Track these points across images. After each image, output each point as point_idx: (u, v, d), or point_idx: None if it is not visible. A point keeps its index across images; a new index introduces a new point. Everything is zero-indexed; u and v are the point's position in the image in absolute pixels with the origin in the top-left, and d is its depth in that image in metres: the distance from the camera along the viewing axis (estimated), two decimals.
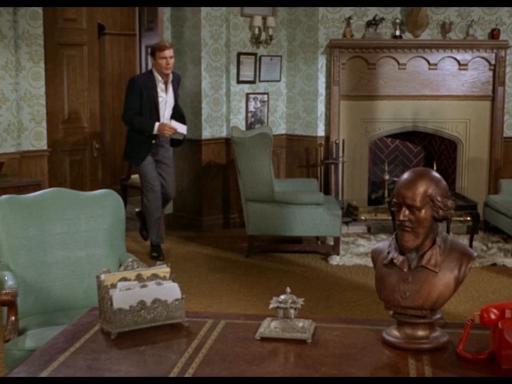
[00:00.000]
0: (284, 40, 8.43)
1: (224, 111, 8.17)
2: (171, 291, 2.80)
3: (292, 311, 2.64)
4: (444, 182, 2.47)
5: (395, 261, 2.48)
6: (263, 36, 8.19)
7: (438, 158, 8.51)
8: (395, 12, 8.12)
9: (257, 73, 8.25)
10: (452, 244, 2.48)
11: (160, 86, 6.65)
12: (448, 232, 7.54)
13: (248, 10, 8.05)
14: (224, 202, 8.26)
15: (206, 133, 8.06)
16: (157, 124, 6.62)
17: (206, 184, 8.11)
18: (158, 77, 6.61)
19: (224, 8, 7.95)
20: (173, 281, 2.85)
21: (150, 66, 7.21)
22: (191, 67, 8.01)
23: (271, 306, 2.65)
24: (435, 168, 7.82)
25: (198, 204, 8.14)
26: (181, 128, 6.72)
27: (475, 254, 2.47)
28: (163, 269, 2.90)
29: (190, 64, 8.01)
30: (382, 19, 8.05)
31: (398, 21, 8.06)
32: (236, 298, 5.81)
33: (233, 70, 8.10)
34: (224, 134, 8.18)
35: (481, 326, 2.45)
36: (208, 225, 8.13)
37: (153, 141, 6.72)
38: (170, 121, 6.72)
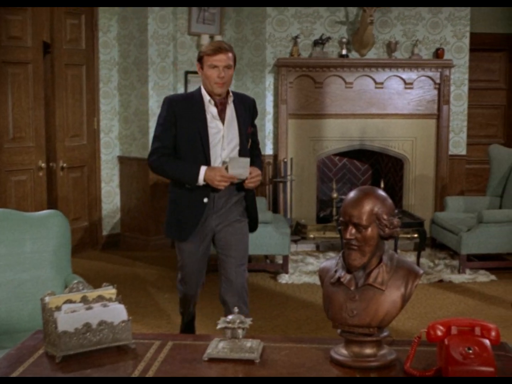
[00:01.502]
0: None
1: None
2: (117, 312, 2.76)
3: (240, 331, 2.62)
4: (390, 201, 2.48)
5: (342, 279, 2.48)
6: None
7: (385, 176, 8.58)
8: (341, 32, 8.20)
9: None
10: (399, 262, 2.49)
11: (211, 111, 4.25)
12: (395, 249, 7.60)
13: (195, 28, 8.05)
14: None
15: None
16: (203, 169, 4.20)
17: (154, 203, 8.04)
18: (207, 98, 4.23)
19: (171, 27, 7.94)
20: (119, 302, 2.81)
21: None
22: (138, 85, 7.96)
23: (218, 326, 2.63)
24: (382, 186, 7.88)
25: (146, 224, 8.07)
26: (241, 171, 4.22)
27: (421, 271, 2.49)
28: (109, 291, 2.85)
29: (137, 82, 7.96)
30: (329, 38, 8.11)
31: (344, 40, 8.14)
32: None
33: (181, 89, 8.08)
34: None
35: (428, 343, 2.46)
36: (156, 245, 8.07)
37: (205, 199, 4.26)
38: (226, 164, 4.25)
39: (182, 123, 4.25)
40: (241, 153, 4.30)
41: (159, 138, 4.30)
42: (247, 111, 4.38)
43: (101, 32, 7.96)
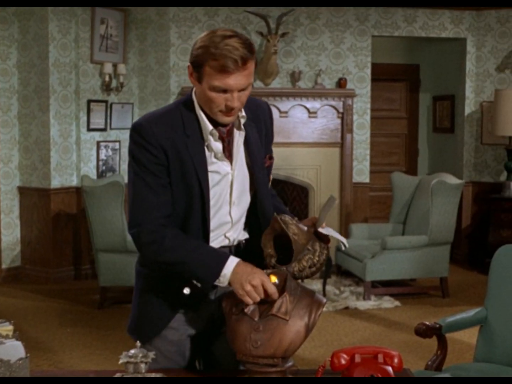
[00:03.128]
0: (135, 88, 8.36)
1: (74, 159, 7.97)
2: (14, 350, 2.63)
3: (142, 365, 2.53)
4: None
5: (245, 310, 2.44)
6: (113, 84, 8.09)
7: (290, 203, 8.62)
8: None
9: (108, 121, 8.11)
10: (302, 291, 2.47)
11: (214, 146, 2.55)
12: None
13: (98, 57, 7.94)
14: (75, 253, 8.02)
15: (56, 182, 7.82)
16: (233, 262, 2.48)
17: (56, 235, 7.84)
18: (208, 127, 2.52)
19: (73, 55, 7.81)
20: (17, 339, 2.68)
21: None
22: (39, 114, 7.78)
23: (120, 361, 2.54)
24: None
25: (48, 256, 7.85)
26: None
27: (324, 300, 2.47)
28: (5, 328, 2.72)
29: (38, 111, 7.78)
30: None
31: None
32: (88, 353, 5.60)
33: (83, 118, 7.93)
34: (74, 183, 7.96)
35: (333, 371, 2.44)
36: (58, 277, 7.85)
37: (186, 291, 2.56)
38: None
39: (173, 164, 2.51)
40: (264, 207, 2.68)
41: (149, 200, 2.51)
42: (262, 131, 2.71)
43: (0, 60, 7.76)
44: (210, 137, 2.53)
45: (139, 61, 8.33)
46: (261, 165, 2.66)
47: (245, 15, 8.12)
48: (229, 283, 2.47)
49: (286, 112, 8.21)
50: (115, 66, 8.03)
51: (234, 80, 2.40)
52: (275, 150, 8.08)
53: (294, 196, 8.67)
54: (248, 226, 2.73)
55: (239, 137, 2.59)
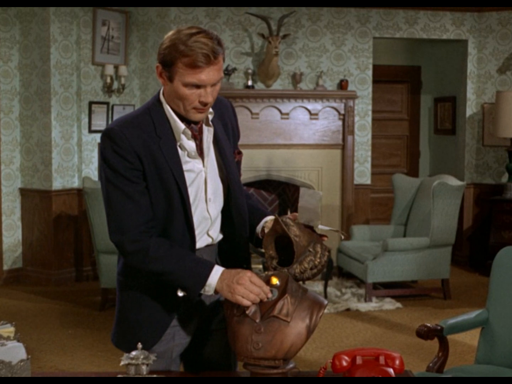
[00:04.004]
0: (137, 89, 8.36)
1: (76, 161, 7.98)
2: (15, 351, 2.63)
3: (144, 367, 2.53)
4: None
5: (247, 312, 2.43)
6: (115, 85, 8.10)
7: (292, 205, 8.62)
8: (247, 63, 8.24)
9: (110, 122, 8.12)
10: (303, 293, 2.47)
11: (187, 145, 2.54)
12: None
13: (99, 58, 7.95)
14: (76, 255, 8.02)
15: (57, 184, 7.83)
16: (217, 272, 2.47)
17: (57, 237, 7.84)
18: (180, 127, 2.51)
19: (74, 56, 7.82)
20: (18, 341, 2.68)
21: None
22: (40, 116, 7.79)
23: (121, 363, 2.53)
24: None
25: (49, 258, 7.85)
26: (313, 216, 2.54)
27: (326, 302, 2.47)
28: (7, 329, 2.72)
29: (40, 113, 7.79)
30: (235, 69, 8.14)
31: (250, 71, 8.18)
32: (90, 354, 5.60)
33: (85, 119, 7.94)
34: (76, 184, 7.97)
35: (334, 373, 2.44)
36: (59, 279, 7.85)
37: (181, 293, 2.52)
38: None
39: (147, 172, 2.48)
40: (237, 203, 2.65)
41: (127, 208, 2.47)
42: (228, 127, 2.72)
43: (2, 61, 7.77)
44: (183, 136, 2.52)
45: (140, 62, 8.34)
46: (231, 161, 2.66)
47: (246, 16, 8.12)
48: (216, 292, 2.47)
49: (287, 114, 8.20)
50: (116, 67, 8.04)
51: (207, 75, 2.40)
52: (276, 151, 8.10)
53: (296, 197, 8.66)
54: (223, 227, 2.70)
55: (208, 134, 2.59)
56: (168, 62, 2.41)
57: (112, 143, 2.44)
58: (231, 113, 2.77)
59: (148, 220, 2.49)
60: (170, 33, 2.45)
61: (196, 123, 2.54)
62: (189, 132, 2.52)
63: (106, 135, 2.47)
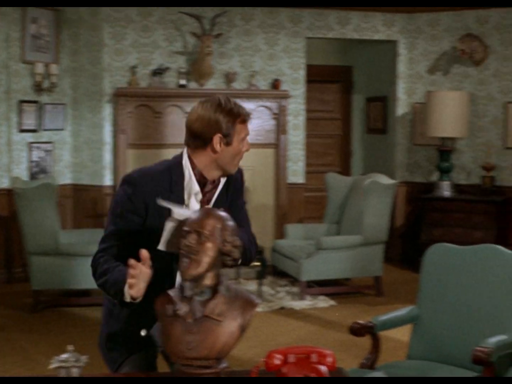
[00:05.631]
0: (68, 88, 8.25)
1: (6, 161, 7.82)
2: None
3: (75, 370, 2.50)
4: (233, 223, 2.51)
5: (179, 312, 2.42)
6: (45, 84, 7.97)
7: None
8: (180, 62, 8.21)
9: (40, 122, 7.99)
10: (235, 292, 2.47)
11: (192, 205, 2.88)
12: (237, 278, 7.65)
13: (29, 56, 7.81)
14: (6, 256, 7.86)
15: None
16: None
17: None
18: (195, 188, 2.88)
19: (4, 55, 7.66)
20: None
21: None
22: None
23: (52, 366, 2.50)
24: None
25: None
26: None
27: (258, 301, 2.48)
28: None
29: None
30: (168, 68, 8.10)
31: (183, 70, 8.15)
32: (21, 358, 5.50)
33: (15, 119, 7.79)
34: (5, 185, 7.81)
35: (267, 372, 2.44)
36: None
37: (143, 333, 2.89)
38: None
39: (149, 216, 2.83)
40: None
41: (112, 236, 2.85)
42: (228, 189, 3.03)
43: None
44: (192, 199, 2.88)
45: (71, 61, 8.23)
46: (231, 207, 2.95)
47: (179, 15, 8.08)
48: (133, 298, 2.60)
49: None
50: (47, 66, 7.91)
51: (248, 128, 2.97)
52: None
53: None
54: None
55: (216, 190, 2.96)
56: (230, 127, 2.85)
57: (128, 188, 2.83)
58: (239, 178, 3.12)
59: (116, 246, 2.84)
60: (210, 106, 2.87)
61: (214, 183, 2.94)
62: (200, 195, 2.90)
63: (127, 180, 2.86)
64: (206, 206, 2.50)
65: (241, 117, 2.90)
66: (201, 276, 2.44)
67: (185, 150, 2.91)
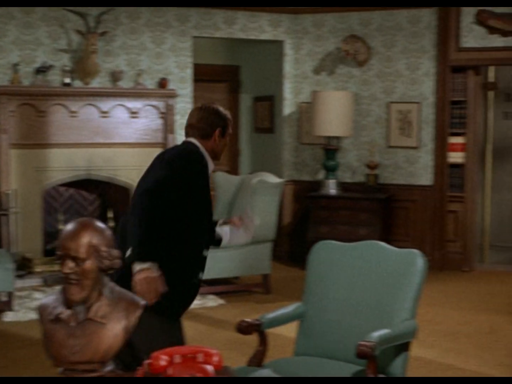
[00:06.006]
0: None
1: None
2: None
3: None
4: (108, 232, 2.43)
5: (61, 316, 2.37)
6: None
7: (113, 205, 8.50)
8: (64, 60, 8.04)
9: None
10: (120, 294, 2.44)
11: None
12: None
13: None
14: None
15: None
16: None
17: None
18: (211, 165, 3.74)
19: None
20: None
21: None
22: None
23: None
24: (110, 215, 7.78)
25: None
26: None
27: (143, 302, 2.45)
28: None
29: None
30: (51, 66, 7.92)
31: (67, 68, 7.98)
32: None
33: None
34: None
35: (153, 373, 2.42)
36: None
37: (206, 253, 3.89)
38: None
39: (200, 191, 3.58)
40: None
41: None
42: None
43: None
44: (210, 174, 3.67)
45: None
46: None
47: (64, 13, 7.92)
48: None
49: (107, 112, 8.08)
50: None
51: None
52: (96, 150, 7.90)
53: (116, 197, 8.56)
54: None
55: None
56: (227, 126, 3.77)
57: (202, 166, 3.61)
58: None
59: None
60: (222, 108, 3.82)
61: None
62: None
63: (194, 158, 3.58)
64: (80, 219, 2.42)
65: (230, 122, 3.81)
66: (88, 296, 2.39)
67: (193, 140, 3.65)
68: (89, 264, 2.35)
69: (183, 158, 3.54)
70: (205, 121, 3.68)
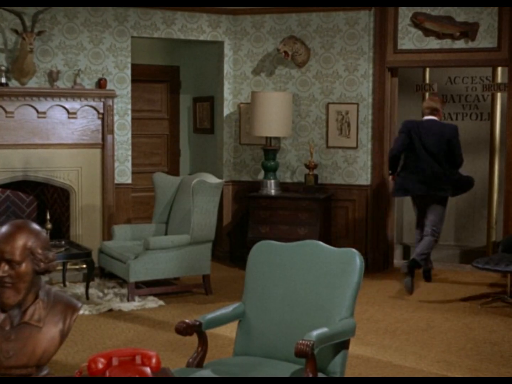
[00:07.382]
0: None
1: None
2: None
3: None
4: (44, 234, 2.40)
5: None
6: None
7: (51, 207, 8.40)
8: (0, 59, 7.90)
9: None
10: (56, 297, 2.41)
11: None
12: (64, 281, 7.49)
13: None
14: None
15: None
16: None
17: None
18: None
19: None
20: None
21: None
22: None
23: None
24: (48, 217, 7.67)
25: None
26: None
27: (79, 305, 2.44)
28: None
29: None
30: None
31: (3, 68, 7.84)
32: None
33: None
34: None
35: (91, 376, 2.40)
36: None
37: None
38: None
39: None
40: None
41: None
42: None
43: None
44: None
45: None
46: None
47: None
48: None
49: (44, 113, 7.96)
50: None
51: None
52: (33, 151, 7.87)
53: (54, 198, 8.45)
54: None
55: None
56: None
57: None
58: None
59: None
60: None
61: None
62: None
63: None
64: (15, 221, 2.38)
65: None
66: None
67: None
68: (24, 267, 2.32)
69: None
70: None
